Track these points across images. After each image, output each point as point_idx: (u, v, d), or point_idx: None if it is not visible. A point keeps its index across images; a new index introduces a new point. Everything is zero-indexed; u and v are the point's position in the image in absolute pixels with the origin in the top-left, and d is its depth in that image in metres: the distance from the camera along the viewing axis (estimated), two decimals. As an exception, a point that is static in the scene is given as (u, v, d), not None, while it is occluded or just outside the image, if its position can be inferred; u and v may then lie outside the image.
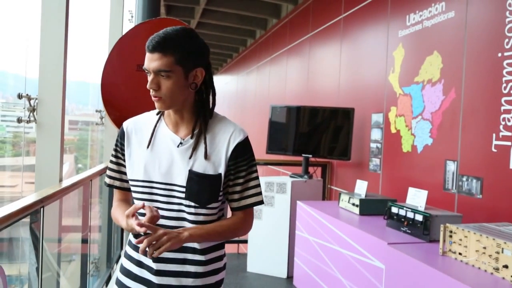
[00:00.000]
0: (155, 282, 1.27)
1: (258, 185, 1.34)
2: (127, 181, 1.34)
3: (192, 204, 1.25)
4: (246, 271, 3.92)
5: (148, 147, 1.29)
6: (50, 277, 2.53)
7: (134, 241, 1.33)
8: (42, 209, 2.08)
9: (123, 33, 3.05)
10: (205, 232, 1.24)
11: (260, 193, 1.34)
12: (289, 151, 4.15)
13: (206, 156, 1.26)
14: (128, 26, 4.85)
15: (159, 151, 1.28)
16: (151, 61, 1.21)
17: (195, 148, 1.26)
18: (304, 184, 3.85)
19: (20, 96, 2.45)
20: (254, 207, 1.37)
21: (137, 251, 1.29)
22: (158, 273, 1.27)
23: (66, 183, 2.58)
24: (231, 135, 1.29)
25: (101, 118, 4.69)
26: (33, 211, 1.98)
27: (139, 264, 1.30)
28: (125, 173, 1.34)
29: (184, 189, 1.25)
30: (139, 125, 1.34)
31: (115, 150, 1.35)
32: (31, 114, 2.52)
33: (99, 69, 2.86)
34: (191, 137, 1.27)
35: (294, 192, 3.74)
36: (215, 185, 1.27)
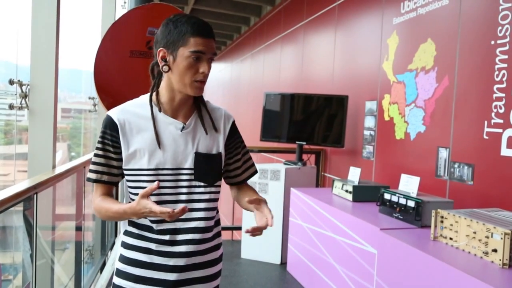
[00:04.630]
0: (170, 264, 1.29)
1: (251, 157, 1.50)
2: (116, 175, 1.32)
3: (202, 184, 1.32)
4: (240, 258, 3.95)
5: (156, 137, 1.28)
6: (44, 264, 2.54)
7: (135, 230, 1.32)
8: (35, 195, 2.08)
9: (116, 19, 3.01)
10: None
11: (254, 164, 1.51)
12: (283, 138, 4.16)
13: (215, 129, 1.36)
14: (120, 12, 4.80)
15: (162, 138, 1.29)
16: (209, 46, 1.25)
17: (204, 126, 1.34)
18: (298, 171, 3.87)
19: (11, 82, 2.43)
20: None
21: (143, 239, 1.30)
22: (172, 255, 1.29)
23: (59, 169, 2.57)
24: (224, 115, 1.40)
25: (94, 105, 4.66)
26: (26, 197, 1.98)
27: (148, 251, 1.30)
28: (114, 167, 1.31)
29: (192, 171, 1.31)
30: (129, 114, 1.31)
31: (103, 143, 1.30)
32: (23, 100, 2.50)
33: (91, 56, 2.83)
34: (198, 116, 1.34)
35: (288, 179, 3.76)
36: (219, 164, 1.36)
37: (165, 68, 1.27)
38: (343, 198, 3.03)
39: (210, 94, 11.96)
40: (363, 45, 3.78)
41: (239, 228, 4.17)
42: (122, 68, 2.67)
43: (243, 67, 8.73)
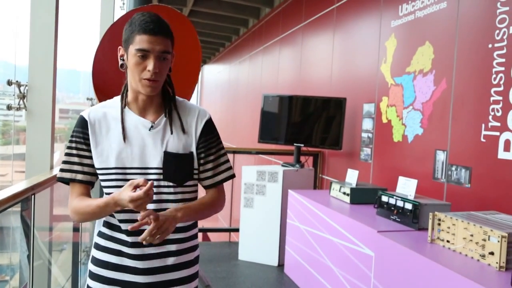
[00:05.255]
0: (140, 267, 1.28)
1: (228, 160, 1.42)
2: (90, 174, 1.30)
3: (171, 184, 1.30)
4: (238, 259, 3.95)
5: (123, 136, 1.28)
6: (41, 265, 2.53)
7: (107, 232, 1.32)
8: (33, 196, 2.07)
9: (115, 20, 3.01)
10: (192, 211, 1.29)
11: (231, 168, 1.42)
12: (281, 140, 4.16)
13: (183, 131, 1.32)
14: (119, 13, 4.80)
15: (130, 136, 1.29)
16: (155, 44, 1.22)
17: (171, 126, 1.31)
18: (296, 173, 3.87)
19: (9, 83, 2.42)
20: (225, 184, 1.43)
21: (114, 241, 1.30)
22: (141, 257, 1.28)
23: (57, 170, 2.56)
24: (198, 114, 1.36)
25: (92, 106, 4.66)
26: (24, 198, 1.98)
27: (119, 253, 1.30)
28: (88, 165, 1.29)
29: (160, 171, 1.29)
30: (100, 114, 1.32)
31: (75, 142, 1.29)
32: (21, 101, 2.49)
33: (90, 57, 2.83)
34: (165, 116, 1.32)
35: (285, 181, 3.76)
36: (189, 163, 1.33)
37: (122, 66, 1.30)
38: (341, 200, 3.03)
39: (208, 96, 11.97)
40: (361, 48, 3.79)
41: (237, 230, 4.17)
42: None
43: (241, 69, 8.74)
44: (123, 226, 1.29)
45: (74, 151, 1.30)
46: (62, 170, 1.30)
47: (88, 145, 1.29)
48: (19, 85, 2.47)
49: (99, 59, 2.67)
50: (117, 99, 1.35)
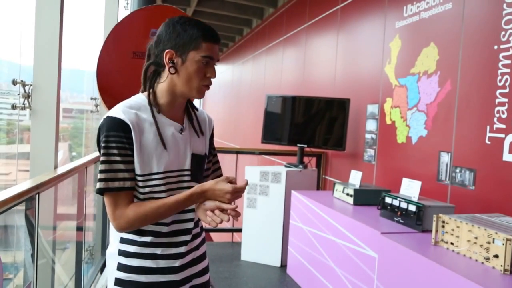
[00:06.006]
0: (176, 266, 1.32)
1: (218, 160, 1.54)
2: (134, 180, 1.24)
3: (193, 184, 1.32)
4: (240, 260, 3.95)
5: (161, 140, 1.26)
6: (45, 263, 2.54)
7: (137, 238, 1.29)
8: (37, 195, 2.08)
9: (119, 20, 3.02)
10: None
11: (220, 167, 1.53)
12: (284, 141, 4.16)
13: (202, 133, 1.39)
14: (123, 13, 4.81)
15: (165, 140, 1.28)
16: (217, 52, 1.29)
17: (194, 128, 1.37)
18: (299, 174, 3.87)
19: (14, 82, 2.43)
20: None
21: (148, 246, 1.28)
22: (176, 256, 1.32)
23: (61, 169, 2.58)
24: (207, 118, 1.45)
25: (96, 105, 4.67)
26: (29, 197, 1.98)
27: (153, 256, 1.29)
28: (132, 171, 1.23)
29: (189, 172, 1.33)
30: (134, 116, 1.23)
31: (117, 147, 1.19)
32: (26, 100, 2.50)
33: (94, 57, 2.84)
34: (189, 120, 1.37)
35: (288, 182, 3.76)
36: (204, 164, 1.41)
37: (172, 70, 1.24)
38: (344, 202, 3.03)
39: (212, 96, 11.97)
40: (365, 49, 3.78)
41: (239, 230, 4.17)
42: (124, 69, 2.68)
43: (244, 69, 8.74)
44: (164, 229, 1.29)
45: (118, 158, 1.19)
46: (106, 180, 1.19)
47: (132, 150, 1.21)
48: (24, 84, 2.48)
49: (104, 59, 2.69)
50: (140, 99, 1.28)
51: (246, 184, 1.26)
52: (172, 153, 1.29)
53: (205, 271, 1.44)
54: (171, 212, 1.25)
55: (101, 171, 1.20)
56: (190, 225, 1.35)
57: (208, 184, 1.24)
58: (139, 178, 1.24)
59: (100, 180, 1.20)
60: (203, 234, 1.46)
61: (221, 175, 1.49)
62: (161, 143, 1.26)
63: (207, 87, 1.29)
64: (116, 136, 1.20)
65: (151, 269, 1.29)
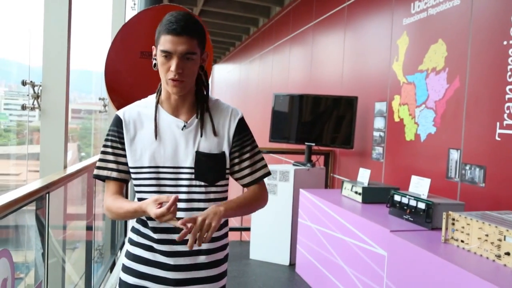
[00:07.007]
0: (171, 263, 1.30)
1: (263, 158, 1.43)
2: (124, 172, 1.33)
3: (202, 183, 1.31)
4: (249, 259, 3.95)
5: (155, 134, 1.30)
6: (55, 263, 2.56)
7: (140, 228, 1.35)
8: (47, 195, 2.10)
9: (126, 20, 3.03)
10: (236, 205, 1.30)
11: (266, 165, 1.42)
12: (292, 139, 4.15)
13: (215, 133, 1.32)
14: (130, 13, 4.83)
15: (163, 136, 1.31)
16: (178, 44, 1.21)
17: (202, 127, 1.32)
18: (307, 173, 3.86)
19: (24, 83, 2.46)
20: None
21: (145, 238, 1.33)
22: (172, 254, 1.30)
23: (71, 169, 2.59)
24: (231, 113, 1.37)
25: (105, 105, 4.70)
26: (39, 197, 2.00)
27: (151, 249, 1.32)
28: (123, 163, 1.32)
29: (192, 170, 1.30)
30: (134, 113, 1.34)
31: (111, 140, 1.33)
32: (35, 101, 2.53)
33: (101, 57, 2.86)
34: (197, 117, 1.33)
35: (296, 180, 3.76)
36: (221, 163, 1.34)
37: (154, 66, 1.31)
38: (353, 200, 3.02)
39: (219, 95, 11.99)
40: (372, 46, 3.76)
41: (248, 229, 4.17)
42: (132, 69, 2.69)
43: (251, 68, 8.74)
44: (150, 223, 1.31)
45: (109, 150, 1.33)
46: (98, 167, 1.33)
47: (123, 143, 1.31)
48: (33, 85, 2.50)
49: (112, 59, 2.70)
50: (151, 98, 1.37)
51: (171, 202, 1.11)
52: (168, 150, 1.30)
53: (216, 278, 1.36)
54: (126, 216, 1.28)
55: (98, 160, 1.35)
56: None
57: (145, 203, 1.18)
58: (131, 170, 1.32)
59: (95, 167, 1.35)
60: (223, 241, 1.39)
61: (262, 176, 1.38)
62: (154, 135, 1.30)
63: (173, 80, 1.24)
64: (111, 130, 1.34)
65: (149, 261, 1.32)
